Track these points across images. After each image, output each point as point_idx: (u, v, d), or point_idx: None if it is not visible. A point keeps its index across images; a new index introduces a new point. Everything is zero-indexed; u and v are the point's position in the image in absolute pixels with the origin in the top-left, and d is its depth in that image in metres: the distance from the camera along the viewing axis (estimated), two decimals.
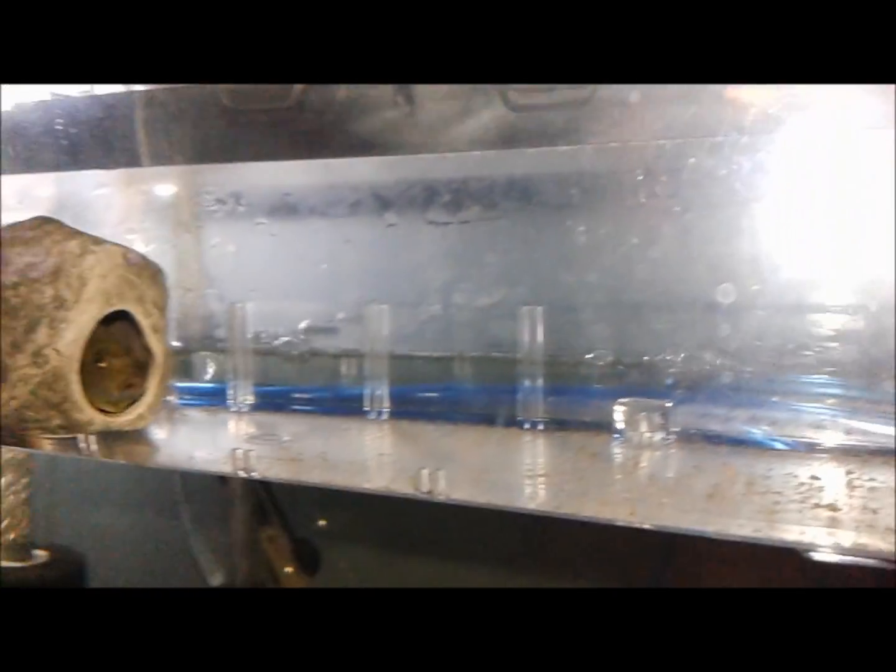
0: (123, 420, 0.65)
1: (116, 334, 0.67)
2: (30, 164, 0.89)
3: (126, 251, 0.63)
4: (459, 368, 0.75)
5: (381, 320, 0.72)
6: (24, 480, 1.32)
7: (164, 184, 0.87)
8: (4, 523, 1.29)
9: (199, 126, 0.83)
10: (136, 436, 0.66)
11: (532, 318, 0.67)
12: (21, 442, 0.67)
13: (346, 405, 0.74)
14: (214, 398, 0.78)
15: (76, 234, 0.63)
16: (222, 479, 1.14)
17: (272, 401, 0.76)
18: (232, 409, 0.74)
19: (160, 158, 0.86)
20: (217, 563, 1.13)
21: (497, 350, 0.74)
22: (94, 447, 0.61)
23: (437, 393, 0.75)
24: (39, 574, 1.28)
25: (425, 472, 0.50)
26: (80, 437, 0.62)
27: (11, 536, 1.29)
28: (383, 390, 0.71)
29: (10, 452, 1.29)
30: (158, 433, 0.68)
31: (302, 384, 0.79)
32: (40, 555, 1.32)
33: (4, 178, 0.89)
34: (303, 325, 0.81)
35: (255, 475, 0.56)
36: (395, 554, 1.03)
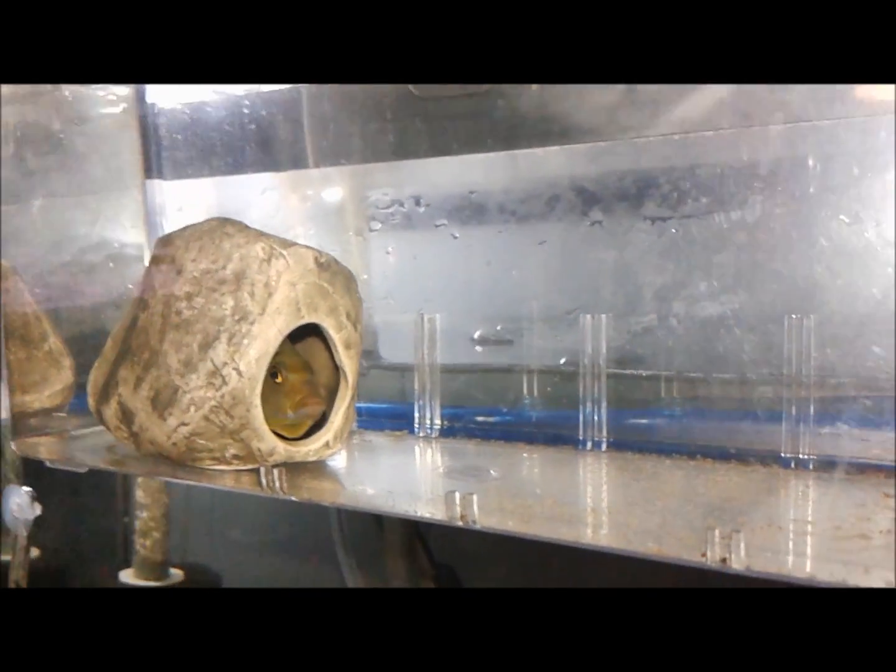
0: (308, 449, 0.56)
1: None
2: (191, 168, 0.83)
3: (318, 254, 0.54)
4: (679, 389, 0.63)
5: (599, 332, 0.60)
6: (160, 498, 1.29)
7: (335, 186, 0.79)
8: (140, 542, 1.26)
9: (377, 120, 0.75)
10: (318, 467, 0.57)
11: (799, 329, 0.54)
12: (189, 474, 0.59)
13: (549, 431, 0.63)
14: (395, 420, 0.69)
15: (261, 235, 0.55)
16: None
17: (464, 424, 0.66)
18: (420, 434, 0.65)
19: (333, 158, 0.78)
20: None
21: (727, 370, 0.62)
22: (278, 483, 0.52)
23: (653, 419, 0.63)
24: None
25: (716, 532, 0.38)
26: (262, 470, 0.54)
27: (147, 555, 1.26)
28: (601, 415, 0.60)
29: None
30: (344, 464, 0.59)
31: (490, 405, 0.69)
32: (175, 574, 1.28)
33: (166, 184, 0.83)
34: (483, 336, 0.71)
35: (478, 527, 0.45)
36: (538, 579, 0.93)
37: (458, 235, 0.72)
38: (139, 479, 1.28)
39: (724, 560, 0.38)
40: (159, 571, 1.27)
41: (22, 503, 0.83)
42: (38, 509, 0.84)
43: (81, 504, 1.39)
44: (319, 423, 0.57)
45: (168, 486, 1.29)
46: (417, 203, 0.74)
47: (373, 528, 1.00)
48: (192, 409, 0.55)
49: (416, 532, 0.99)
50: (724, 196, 0.61)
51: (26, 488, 0.82)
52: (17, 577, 0.92)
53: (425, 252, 0.74)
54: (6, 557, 1.27)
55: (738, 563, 0.38)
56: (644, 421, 0.61)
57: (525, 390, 0.67)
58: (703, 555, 0.39)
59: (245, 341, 0.53)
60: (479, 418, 0.67)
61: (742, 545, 0.38)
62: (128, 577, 1.28)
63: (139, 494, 1.28)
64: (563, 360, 0.66)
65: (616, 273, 0.65)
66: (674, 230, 0.64)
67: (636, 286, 0.65)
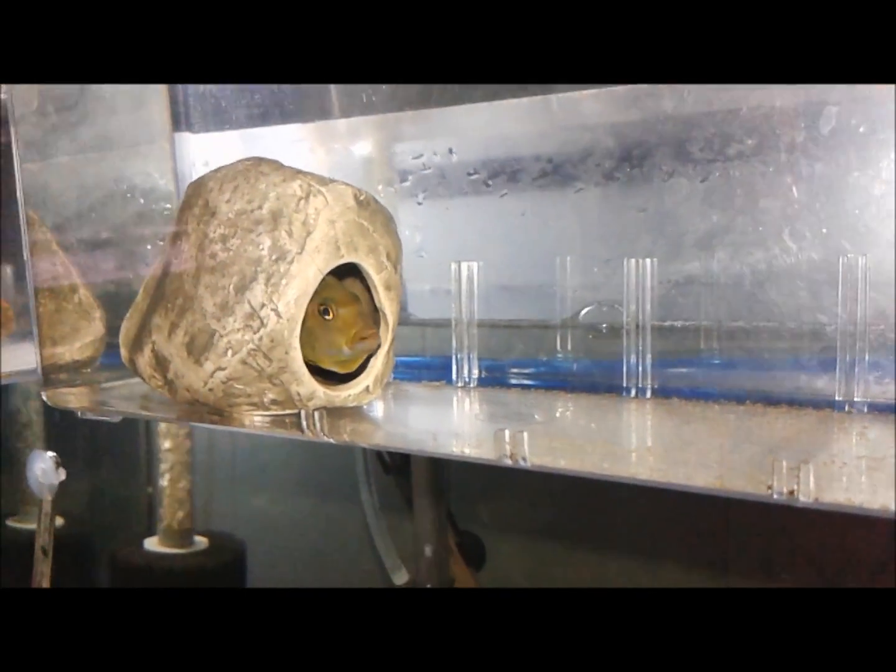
0: (348, 394, 0.55)
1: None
2: (218, 120, 0.82)
3: (357, 192, 0.53)
4: (725, 337, 0.61)
5: (644, 277, 0.59)
6: (185, 465, 1.29)
7: (365, 137, 0.77)
8: (165, 509, 1.26)
9: None
10: (358, 412, 0.56)
11: (854, 269, 0.52)
12: (224, 419, 0.58)
13: (591, 380, 0.62)
14: (431, 372, 0.67)
15: (298, 173, 0.53)
16: (385, 466, 1.05)
17: (501, 375, 0.65)
18: (458, 385, 0.63)
19: (361, 107, 0.77)
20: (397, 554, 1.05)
21: (770, 318, 0.60)
22: (319, 425, 0.51)
23: (698, 367, 0.61)
24: (199, 562, 1.24)
25: (783, 464, 0.37)
26: (303, 413, 0.53)
27: (172, 523, 1.26)
28: (645, 362, 0.58)
29: (168, 439, 1.25)
30: (384, 410, 0.58)
31: (528, 356, 0.67)
32: (200, 542, 1.29)
33: (193, 136, 0.82)
34: (520, 287, 0.69)
35: (526, 465, 0.44)
36: (561, 548, 0.92)
37: (490, 185, 0.71)
38: (163, 448, 1.28)
39: (791, 492, 0.37)
40: (184, 539, 1.27)
41: (46, 468, 0.83)
42: (62, 474, 0.83)
43: (105, 473, 1.39)
44: (359, 368, 0.56)
45: (191, 452, 1.29)
46: (450, 153, 0.72)
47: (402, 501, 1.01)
48: (230, 353, 0.54)
49: (443, 500, 0.98)
50: (770, 138, 0.59)
51: (51, 453, 0.82)
52: (43, 543, 0.92)
53: (457, 203, 0.72)
54: (32, 526, 1.27)
55: (806, 496, 0.36)
56: (689, 369, 0.60)
57: (564, 340, 0.66)
58: (769, 487, 0.37)
59: (283, 281, 0.52)
60: (517, 369, 0.66)
61: (811, 477, 0.36)
62: (153, 544, 1.28)
63: (162, 463, 1.28)
64: (604, 309, 0.64)
65: (653, 219, 0.64)
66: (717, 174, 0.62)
67: (675, 233, 0.63)
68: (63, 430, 1.35)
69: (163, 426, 1.27)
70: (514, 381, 0.64)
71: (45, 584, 0.85)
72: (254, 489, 1.33)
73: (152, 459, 1.34)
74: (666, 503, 0.81)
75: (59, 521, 1.12)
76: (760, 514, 0.77)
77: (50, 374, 0.70)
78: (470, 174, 0.71)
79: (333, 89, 0.78)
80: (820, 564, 0.77)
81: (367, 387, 0.55)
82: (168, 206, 0.76)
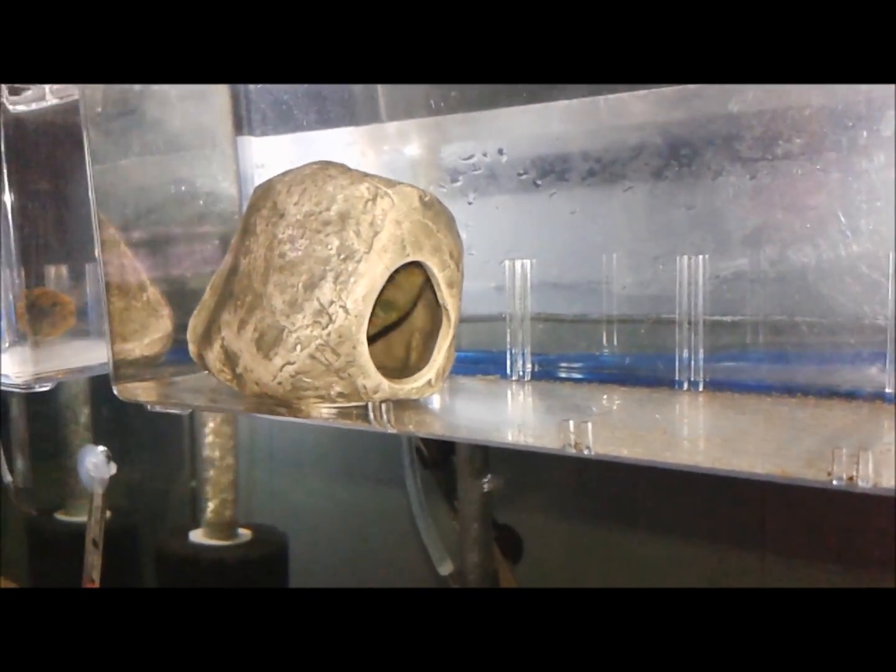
0: (411, 387, 0.58)
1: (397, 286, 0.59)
2: (276, 124, 0.84)
3: (422, 193, 0.55)
4: (773, 332, 0.63)
5: (696, 274, 0.60)
6: (229, 460, 1.32)
7: (416, 139, 0.79)
8: (210, 502, 1.29)
9: None
10: (421, 405, 0.59)
11: None
12: (291, 411, 0.61)
13: (643, 374, 0.64)
14: (478, 366, 0.70)
15: (365, 176, 0.56)
16: (423, 461, 1.07)
17: (554, 369, 0.67)
18: (512, 378, 0.66)
19: (416, 110, 0.79)
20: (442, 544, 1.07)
21: (820, 313, 0.61)
22: (386, 416, 0.54)
23: (749, 362, 0.63)
24: (243, 554, 1.27)
25: (843, 451, 0.38)
26: (370, 405, 0.55)
27: (217, 515, 1.29)
28: (698, 357, 0.60)
29: (212, 434, 1.29)
30: (444, 403, 0.60)
31: (580, 350, 0.69)
32: (244, 534, 1.32)
33: (255, 139, 0.85)
34: (571, 283, 0.71)
35: (591, 454, 0.46)
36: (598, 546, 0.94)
37: (540, 184, 0.72)
38: (207, 443, 1.32)
39: (850, 478, 0.38)
40: (228, 531, 1.31)
41: (98, 462, 0.86)
42: (113, 468, 0.86)
43: (151, 467, 1.44)
44: (422, 363, 0.58)
45: (235, 448, 1.32)
46: (500, 153, 0.74)
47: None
48: (298, 348, 0.56)
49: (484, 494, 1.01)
50: (818, 136, 0.61)
51: (101, 447, 0.85)
52: (95, 536, 0.95)
53: (507, 202, 0.74)
54: (78, 518, 1.31)
55: (865, 481, 0.38)
56: (740, 363, 0.61)
57: (615, 335, 0.68)
58: (829, 474, 0.39)
59: (352, 279, 0.54)
60: (569, 363, 0.68)
61: (871, 463, 0.38)
62: (197, 537, 1.32)
63: (206, 457, 1.32)
64: (653, 306, 0.66)
65: (700, 216, 0.65)
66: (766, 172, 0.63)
67: (722, 231, 0.64)
68: (109, 427, 1.39)
69: (207, 422, 1.31)
70: (566, 376, 0.66)
71: (95, 574, 0.89)
72: (296, 482, 1.36)
73: (196, 454, 1.38)
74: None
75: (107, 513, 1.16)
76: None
77: (119, 368, 0.73)
78: (520, 174, 0.73)
79: (381, 95, 0.81)
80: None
81: (430, 380, 0.58)
82: (231, 208, 0.79)
